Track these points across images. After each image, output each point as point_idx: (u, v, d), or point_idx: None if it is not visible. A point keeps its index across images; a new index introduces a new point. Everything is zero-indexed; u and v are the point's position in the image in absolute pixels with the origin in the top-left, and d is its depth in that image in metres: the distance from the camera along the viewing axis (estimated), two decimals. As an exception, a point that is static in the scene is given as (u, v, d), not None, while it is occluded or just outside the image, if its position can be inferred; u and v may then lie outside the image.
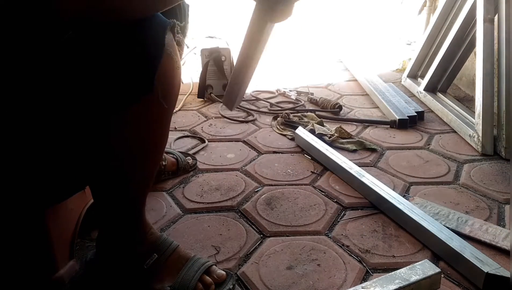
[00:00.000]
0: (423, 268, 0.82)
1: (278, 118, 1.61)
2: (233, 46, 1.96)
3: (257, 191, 1.17)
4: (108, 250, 0.80)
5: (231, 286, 0.81)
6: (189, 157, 1.30)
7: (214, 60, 1.83)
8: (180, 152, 1.28)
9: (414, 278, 0.79)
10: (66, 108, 0.58)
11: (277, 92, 1.97)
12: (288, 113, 1.63)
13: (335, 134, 1.46)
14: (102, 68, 0.56)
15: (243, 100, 1.83)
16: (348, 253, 0.93)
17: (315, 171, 1.27)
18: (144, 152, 0.68)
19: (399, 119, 1.59)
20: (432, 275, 0.81)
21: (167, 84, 0.62)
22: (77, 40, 0.56)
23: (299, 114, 1.67)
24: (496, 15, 1.52)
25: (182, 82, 0.67)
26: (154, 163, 0.74)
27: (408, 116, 1.61)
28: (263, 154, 1.38)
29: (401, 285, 0.78)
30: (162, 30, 0.59)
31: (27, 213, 0.71)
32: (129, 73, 0.57)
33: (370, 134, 1.54)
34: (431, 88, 1.88)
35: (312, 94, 1.89)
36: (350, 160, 1.25)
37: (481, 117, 1.43)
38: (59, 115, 0.59)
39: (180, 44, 0.66)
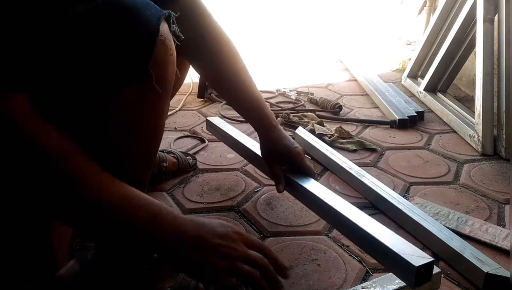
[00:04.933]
0: None
1: (278, 118, 1.61)
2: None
3: (257, 191, 1.17)
4: (108, 250, 0.80)
5: (231, 286, 0.80)
6: (189, 157, 1.30)
7: (214, 60, 1.83)
8: (180, 152, 1.28)
9: None
10: (61, 93, 0.58)
11: (277, 92, 1.97)
12: (288, 113, 1.63)
13: (335, 134, 1.46)
14: (97, 53, 0.57)
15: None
16: (348, 253, 0.93)
17: (315, 171, 1.27)
18: (141, 137, 0.69)
19: (399, 119, 1.60)
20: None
21: (161, 69, 0.64)
22: (77, 23, 0.56)
23: (299, 114, 1.67)
24: (496, 15, 1.52)
25: (178, 72, 0.68)
26: (150, 152, 0.74)
27: (408, 116, 1.61)
28: (263, 154, 1.38)
29: (401, 285, 0.78)
30: (157, 18, 0.61)
31: (35, 205, 0.71)
32: (124, 58, 0.59)
33: (370, 134, 1.54)
34: (431, 88, 1.88)
35: (312, 94, 1.89)
36: (350, 160, 1.25)
37: (481, 117, 1.43)
38: (52, 103, 0.59)
39: (176, 34, 0.67)
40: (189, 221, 0.60)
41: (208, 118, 1.38)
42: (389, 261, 0.73)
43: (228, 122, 1.61)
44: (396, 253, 0.70)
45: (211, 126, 1.36)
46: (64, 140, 0.55)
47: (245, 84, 0.96)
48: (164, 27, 0.62)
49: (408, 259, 0.68)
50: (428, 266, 0.68)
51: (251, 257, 0.60)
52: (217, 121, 1.35)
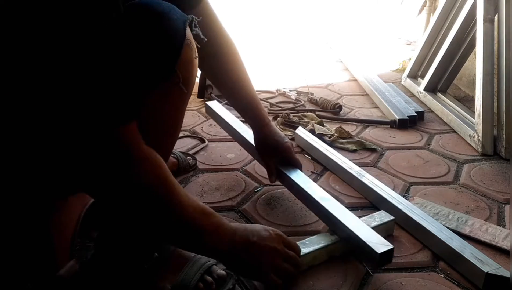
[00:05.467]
0: (380, 217, 0.97)
1: (278, 118, 1.61)
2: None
3: (257, 191, 1.17)
4: (108, 250, 0.80)
5: (231, 286, 0.81)
6: (189, 157, 1.30)
7: (214, 60, 1.83)
8: (180, 152, 1.29)
9: (373, 224, 0.94)
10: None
11: (277, 92, 1.97)
12: (288, 113, 1.63)
13: (335, 134, 1.46)
14: (131, 55, 0.60)
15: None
16: (348, 253, 0.93)
17: (315, 171, 1.27)
18: (162, 133, 0.71)
19: (399, 119, 1.60)
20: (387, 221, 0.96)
21: (187, 71, 0.67)
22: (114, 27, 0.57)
23: (299, 114, 1.67)
24: (496, 15, 1.52)
25: (198, 77, 0.73)
26: (169, 147, 0.77)
27: (408, 116, 1.61)
28: (263, 154, 1.38)
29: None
30: (182, 23, 0.65)
31: (36, 205, 0.71)
32: (154, 59, 0.62)
33: (370, 134, 1.54)
34: (431, 88, 1.88)
35: (312, 94, 1.89)
36: (350, 160, 1.25)
37: (481, 117, 1.43)
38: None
39: (199, 37, 0.70)
40: (241, 230, 0.74)
41: (207, 102, 1.48)
42: (358, 246, 0.85)
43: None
44: (364, 241, 0.83)
45: (209, 111, 1.47)
46: (157, 168, 0.63)
47: (243, 84, 1.04)
48: (188, 31, 0.66)
49: (373, 247, 0.82)
50: (388, 252, 0.82)
51: (290, 256, 0.78)
52: (215, 106, 1.45)
